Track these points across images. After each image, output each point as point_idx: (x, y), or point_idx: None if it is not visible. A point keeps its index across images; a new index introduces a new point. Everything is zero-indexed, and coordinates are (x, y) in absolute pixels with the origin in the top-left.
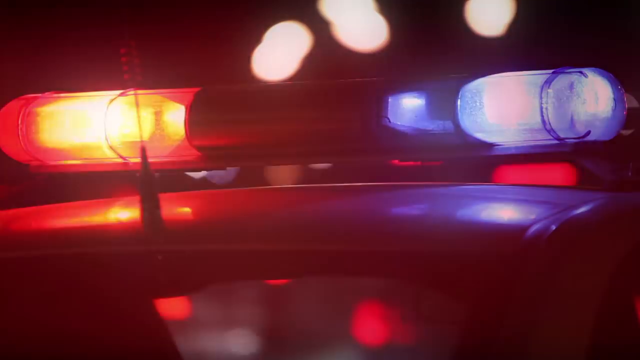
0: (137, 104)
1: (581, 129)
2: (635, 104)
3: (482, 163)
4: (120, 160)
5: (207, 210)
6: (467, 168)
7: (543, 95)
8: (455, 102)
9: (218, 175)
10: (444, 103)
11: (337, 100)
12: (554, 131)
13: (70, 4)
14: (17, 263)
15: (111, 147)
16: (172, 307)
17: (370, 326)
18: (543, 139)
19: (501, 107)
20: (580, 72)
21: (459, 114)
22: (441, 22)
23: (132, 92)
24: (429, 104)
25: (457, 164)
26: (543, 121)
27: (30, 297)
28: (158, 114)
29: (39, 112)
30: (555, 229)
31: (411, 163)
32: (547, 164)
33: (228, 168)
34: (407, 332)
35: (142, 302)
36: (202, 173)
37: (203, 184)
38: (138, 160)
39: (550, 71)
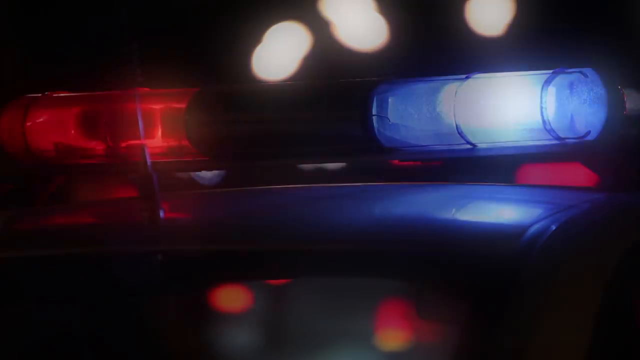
0: (137, 104)
1: (581, 129)
2: (635, 104)
3: (482, 163)
4: (121, 160)
5: (207, 210)
6: (467, 168)
7: (543, 95)
8: (454, 102)
9: (205, 175)
10: (443, 103)
11: (336, 100)
12: (554, 131)
13: (69, 3)
14: (17, 263)
15: (112, 147)
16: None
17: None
18: (543, 139)
19: (501, 107)
20: (581, 72)
21: (458, 113)
22: (441, 22)
23: (132, 92)
24: (428, 103)
25: (457, 164)
26: (543, 121)
27: (30, 297)
28: (158, 114)
29: (40, 113)
30: (555, 229)
31: (411, 163)
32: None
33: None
34: (407, 332)
35: (142, 302)
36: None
37: (192, 183)
38: (138, 160)
39: (551, 71)
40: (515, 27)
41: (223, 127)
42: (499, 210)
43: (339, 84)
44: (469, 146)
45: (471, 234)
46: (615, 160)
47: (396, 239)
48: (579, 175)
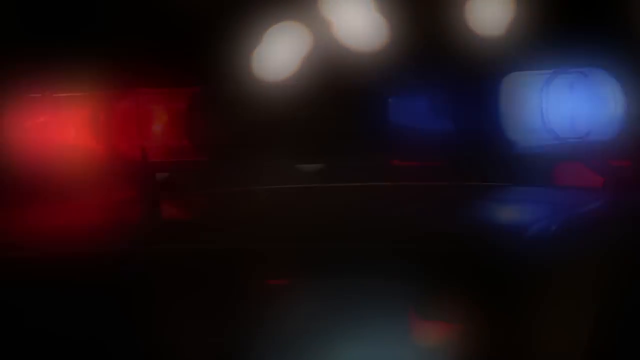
0: (137, 104)
1: (581, 129)
2: (635, 104)
3: (483, 163)
4: (120, 160)
5: (208, 210)
6: (468, 168)
7: (543, 95)
8: (454, 102)
9: (205, 175)
10: (443, 103)
11: (337, 100)
12: (554, 131)
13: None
14: (17, 263)
15: (111, 147)
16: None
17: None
18: (543, 139)
19: (501, 107)
20: (581, 72)
21: (459, 114)
22: (441, 22)
23: (132, 91)
24: (428, 104)
25: (457, 163)
26: (543, 121)
27: (30, 297)
28: (158, 114)
29: (40, 112)
30: (555, 229)
31: (411, 163)
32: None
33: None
34: (407, 332)
35: (143, 302)
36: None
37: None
38: (138, 160)
39: (551, 71)
40: (516, 27)
41: (223, 127)
42: (500, 210)
43: (339, 83)
44: (469, 146)
45: (472, 234)
46: (615, 160)
47: (396, 238)
48: (579, 175)
